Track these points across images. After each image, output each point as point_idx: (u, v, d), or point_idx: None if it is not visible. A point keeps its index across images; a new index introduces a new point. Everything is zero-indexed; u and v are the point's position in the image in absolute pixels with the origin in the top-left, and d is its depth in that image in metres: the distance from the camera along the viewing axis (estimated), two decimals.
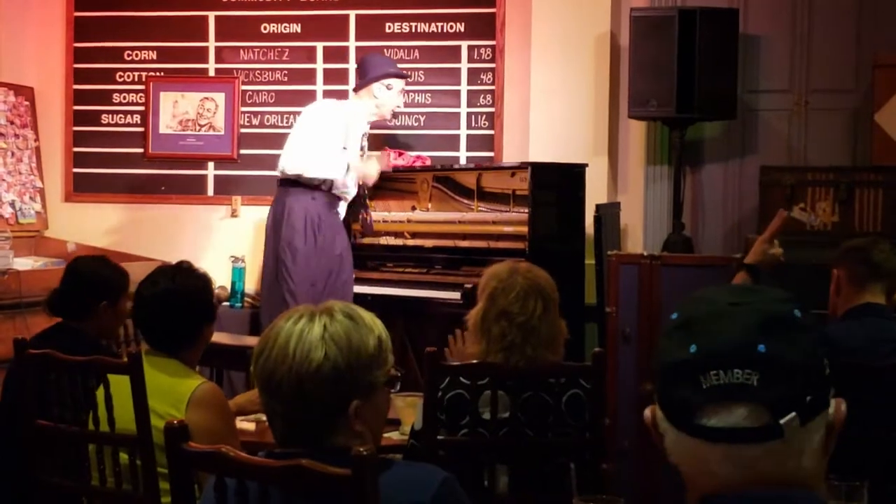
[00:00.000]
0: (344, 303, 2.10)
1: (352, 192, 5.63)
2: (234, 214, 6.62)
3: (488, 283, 3.13)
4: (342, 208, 5.70)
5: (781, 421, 1.23)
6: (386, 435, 3.51)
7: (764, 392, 1.23)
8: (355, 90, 5.77)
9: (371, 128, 5.84)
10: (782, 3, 5.89)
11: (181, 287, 3.21)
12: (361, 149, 5.61)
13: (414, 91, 6.41)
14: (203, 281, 3.29)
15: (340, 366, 1.97)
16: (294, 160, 5.50)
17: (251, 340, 5.29)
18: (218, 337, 4.23)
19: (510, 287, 3.06)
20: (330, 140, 5.49)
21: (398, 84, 5.76)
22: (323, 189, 5.50)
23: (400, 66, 6.41)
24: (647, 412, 1.34)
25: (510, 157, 6.19)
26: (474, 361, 3.05)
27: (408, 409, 3.48)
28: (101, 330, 3.87)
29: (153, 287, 3.22)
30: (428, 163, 6.18)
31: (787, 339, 1.25)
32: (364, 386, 2.01)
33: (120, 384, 3.05)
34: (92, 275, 3.86)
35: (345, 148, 5.50)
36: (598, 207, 5.44)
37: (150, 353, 3.16)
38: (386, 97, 5.67)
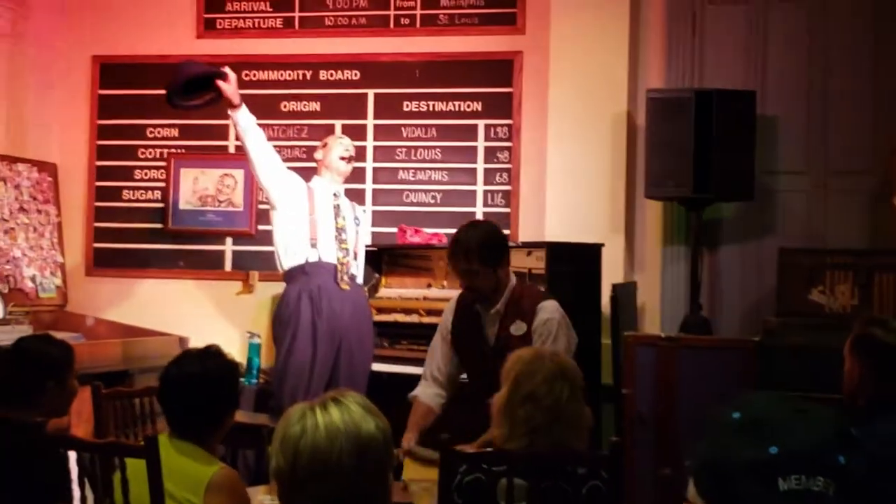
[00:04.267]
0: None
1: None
2: (250, 290, 6.63)
3: (513, 367, 3.12)
4: (357, 270, 5.65)
5: None
6: None
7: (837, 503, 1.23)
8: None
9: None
10: (799, 85, 5.91)
11: (208, 373, 3.16)
12: (335, 207, 5.56)
13: (431, 169, 6.46)
14: (230, 367, 3.27)
15: (388, 434, 2.01)
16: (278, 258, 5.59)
17: (265, 419, 5.27)
18: None
19: (537, 370, 3.05)
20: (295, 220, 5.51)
21: (331, 140, 5.77)
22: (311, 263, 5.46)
23: (416, 144, 6.45)
24: None
25: (526, 235, 6.20)
26: (489, 450, 3.03)
27: (423, 495, 3.45)
28: (51, 411, 3.69)
29: (179, 370, 3.18)
30: (444, 240, 6.19)
31: (856, 453, 1.26)
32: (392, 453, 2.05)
33: (137, 466, 3.04)
34: (37, 353, 3.69)
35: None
36: (615, 287, 5.41)
37: (173, 436, 3.14)
38: (327, 157, 5.65)
